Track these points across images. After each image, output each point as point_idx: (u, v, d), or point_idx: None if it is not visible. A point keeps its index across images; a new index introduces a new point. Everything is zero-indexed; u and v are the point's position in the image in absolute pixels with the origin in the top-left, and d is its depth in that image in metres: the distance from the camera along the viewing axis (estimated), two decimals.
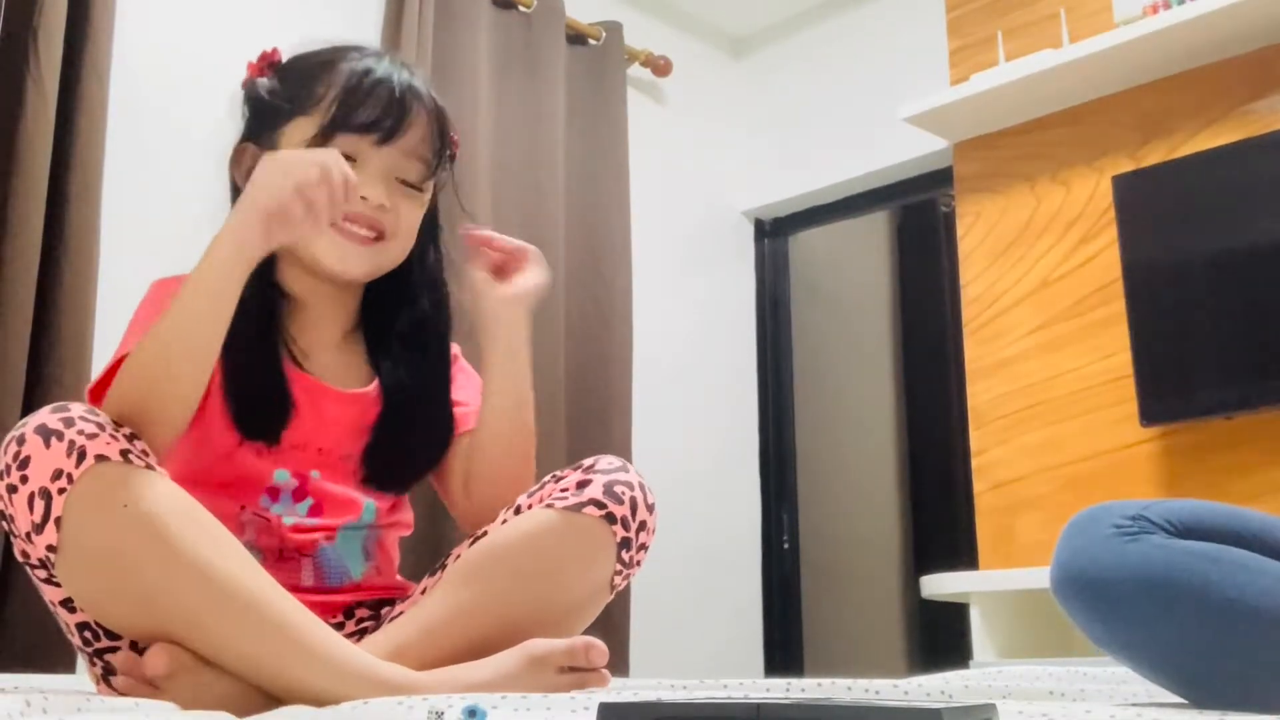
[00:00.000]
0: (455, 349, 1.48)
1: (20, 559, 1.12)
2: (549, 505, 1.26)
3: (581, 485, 1.27)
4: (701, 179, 3.69)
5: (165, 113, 2.51)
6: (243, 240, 1.15)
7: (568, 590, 1.26)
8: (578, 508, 1.25)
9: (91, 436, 1.07)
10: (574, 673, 1.18)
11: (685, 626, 3.28)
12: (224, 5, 2.67)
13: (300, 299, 1.37)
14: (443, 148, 1.38)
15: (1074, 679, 1.34)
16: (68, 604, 1.12)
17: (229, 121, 1.40)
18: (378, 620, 1.32)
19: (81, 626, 1.13)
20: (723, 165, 3.74)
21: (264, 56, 1.42)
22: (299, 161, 1.17)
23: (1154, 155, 2.86)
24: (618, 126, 3.31)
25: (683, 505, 3.30)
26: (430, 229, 1.44)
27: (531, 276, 1.39)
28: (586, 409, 3.07)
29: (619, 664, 2.80)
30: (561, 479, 1.30)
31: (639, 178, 3.34)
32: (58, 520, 1.06)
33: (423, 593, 1.30)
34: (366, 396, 1.37)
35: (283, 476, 1.30)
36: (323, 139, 1.29)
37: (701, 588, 3.35)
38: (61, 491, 1.05)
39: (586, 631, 1.29)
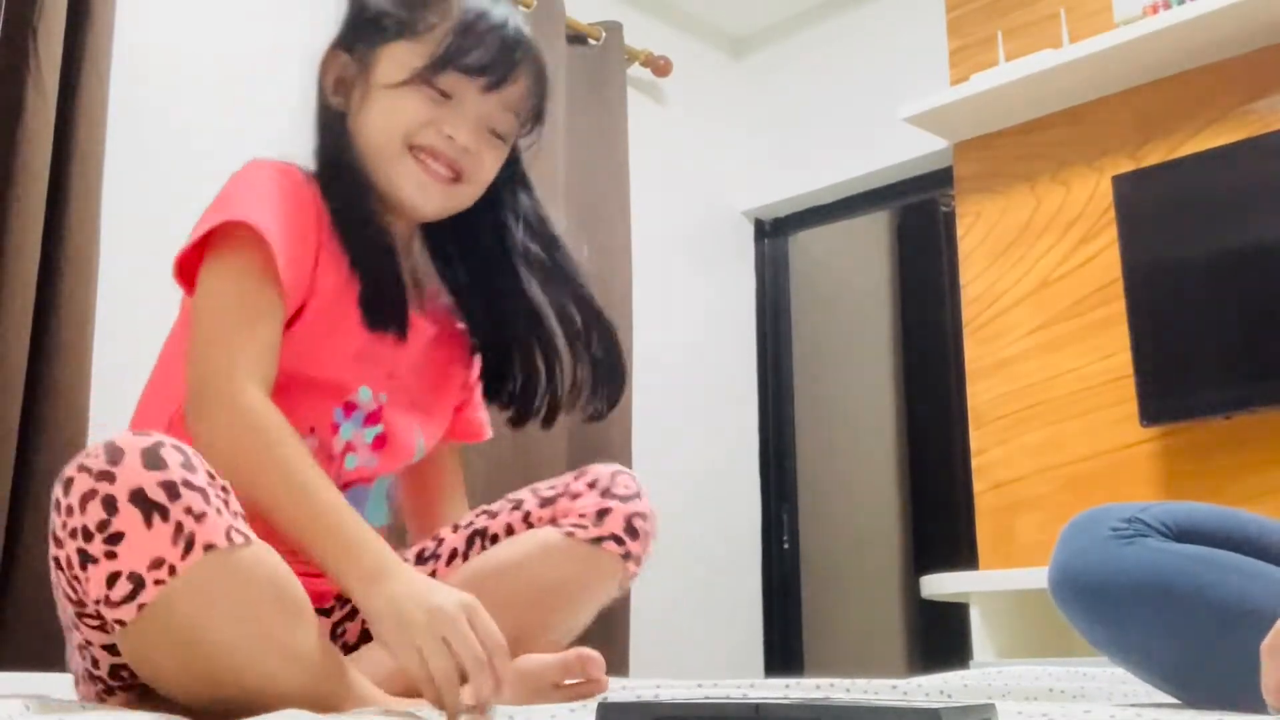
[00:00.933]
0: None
1: (65, 597, 1.04)
2: (569, 534, 1.27)
3: (602, 514, 1.28)
4: (701, 179, 3.69)
5: (165, 113, 2.51)
6: (382, 598, 1.02)
7: (576, 616, 1.29)
8: (598, 540, 1.27)
9: (200, 517, 0.96)
10: (570, 688, 1.17)
11: (685, 626, 3.28)
12: (224, 5, 2.67)
13: (389, 205, 1.33)
14: (539, 107, 1.34)
15: (1074, 679, 1.34)
16: (111, 648, 1.05)
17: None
18: None
19: (118, 666, 1.07)
20: (723, 165, 3.74)
21: None
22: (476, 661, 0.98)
23: (1154, 155, 2.86)
24: (618, 126, 3.31)
25: (683, 505, 3.30)
26: (510, 172, 1.39)
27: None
28: None
29: (619, 664, 2.80)
30: (578, 497, 1.31)
31: (639, 178, 3.34)
32: (142, 605, 0.96)
33: None
34: (430, 331, 1.35)
35: (366, 395, 1.28)
36: (429, 73, 1.25)
37: (701, 587, 3.35)
38: (159, 583, 0.95)
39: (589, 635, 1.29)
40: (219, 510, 0.98)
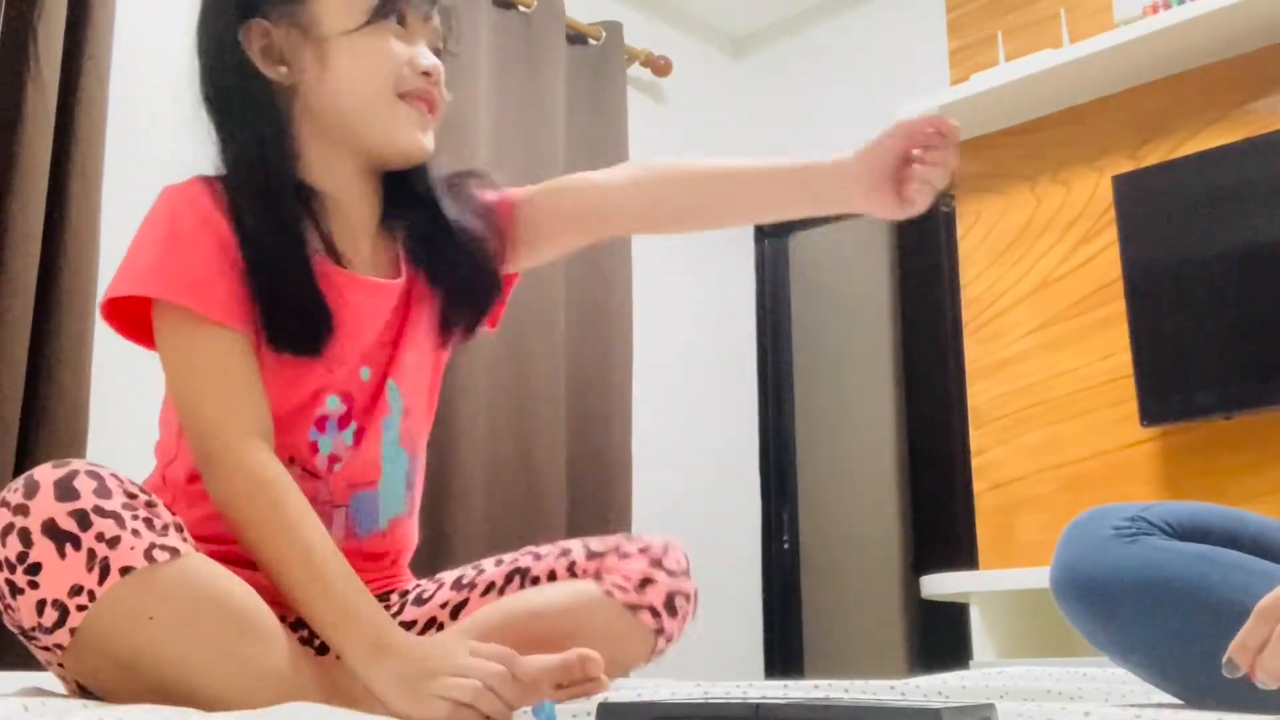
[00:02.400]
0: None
1: (10, 626, 1.04)
2: (608, 592, 1.22)
3: (645, 582, 1.23)
4: None
5: (165, 113, 2.50)
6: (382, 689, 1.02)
7: None
8: (635, 609, 1.22)
9: (113, 542, 0.97)
10: (571, 687, 1.16)
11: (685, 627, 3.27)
12: None
13: (331, 194, 1.28)
14: (451, 25, 1.33)
15: (1073, 679, 1.34)
16: (65, 666, 1.06)
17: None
18: None
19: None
20: None
21: None
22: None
23: (1154, 155, 2.86)
24: (618, 127, 3.31)
25: (683, 505, 3.30)
26: None
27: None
28: (587, 408, 3.07)
29: None
30: (627, 558, 1.25)
31: None
32: (73, 629, 0.98)
33: (443, 607, 1.28)
34: (398, 287, 1.30)
35: (334, 403, 1.24)
36: (383, 10, 1.22)
37: (701, 588, 3.34)
38: (81, 608, 0.97)
39: None
40: (136, 532, 0.98)
